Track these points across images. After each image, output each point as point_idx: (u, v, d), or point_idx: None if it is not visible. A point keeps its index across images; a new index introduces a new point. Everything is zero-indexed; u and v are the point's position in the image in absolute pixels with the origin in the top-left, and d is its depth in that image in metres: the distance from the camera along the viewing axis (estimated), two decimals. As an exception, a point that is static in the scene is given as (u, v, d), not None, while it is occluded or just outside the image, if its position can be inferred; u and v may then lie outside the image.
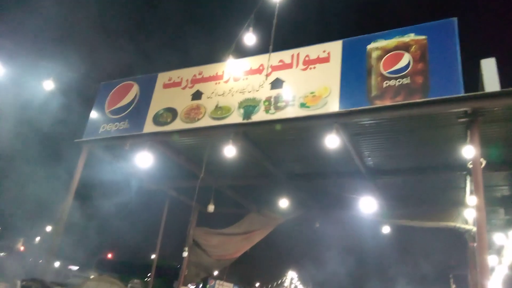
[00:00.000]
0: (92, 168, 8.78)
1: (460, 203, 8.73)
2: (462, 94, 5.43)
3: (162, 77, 8.16)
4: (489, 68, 5.99)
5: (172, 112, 7.60)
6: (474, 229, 8.10)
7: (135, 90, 8.37)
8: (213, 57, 7.78)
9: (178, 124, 7.37)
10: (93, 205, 10.19)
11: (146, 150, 7.37)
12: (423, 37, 6.12)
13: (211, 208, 9.40)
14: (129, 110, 8.17)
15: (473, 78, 6.65)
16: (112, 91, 8.66)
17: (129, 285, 10.23)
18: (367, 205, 7.94)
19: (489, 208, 7.41)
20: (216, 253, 11.31)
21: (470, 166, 5.75)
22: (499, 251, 9.56)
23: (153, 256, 13.46)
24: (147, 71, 8.58)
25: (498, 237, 9.05)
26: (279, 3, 5.40)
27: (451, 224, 8.74)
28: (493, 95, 5.39)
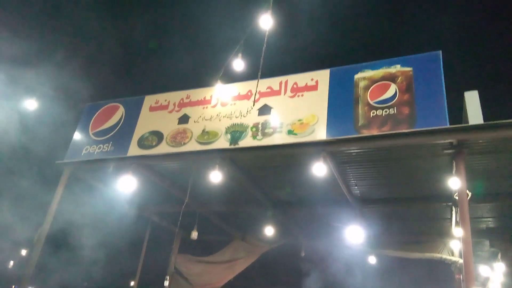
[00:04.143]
0: (72, 191, 8.53)
1: (446, 234, 8.72)
2: (447, 125, 5.49)
3: (149, 100, 8.09)
4: (472, 101, 6.13)
5: (157, 136, 7.49)
6: (460, 261, 8.06)
7: (120, 112, 8.26)
8: (202, 82, 7.78)
9: (163, 148, 7.26)
10: (71, 229, 9.84)
11: (129, 174, 7.20)
12: (409, 68, 6.23)
13: (194, 235, 9.17)
14: (113, 132, 8.03)
15: (457, 110, 6.78)
16: (97, 112, 8.53)
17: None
18: (354, 234, 7.84)
19: (474, 240, 7.39)
20: (199, 281, 10.96)
21: (456, 198, 5.76)
22: (484, 283, 9.50)
23: (132, 284, 12.97)
24: (133, 93, 8.51)
25: (483, 269, 9.01)
26: (268, 31, 5.43)
27: (437, 255, 8.69)
28: (477, 128, 5.46)
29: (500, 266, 8.68)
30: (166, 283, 10.12)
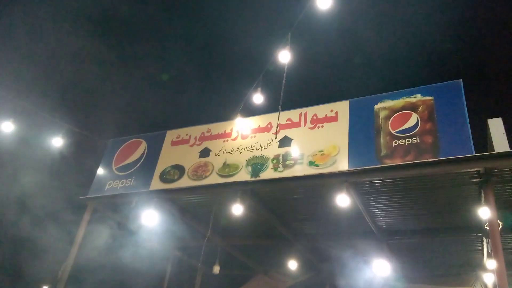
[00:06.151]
0: (95, 226, 8.60)
1: (478, 266, 8.33)
2: (473, 153, 5.38)
3: (171, 135, 8.24)
4: (496, 128, 6.01)
5: (179, 169, 7.56)
6: (495, 295, 7.65)
7: (143, 147, 8.42)
8: (222, 116, 7.91)
9: (185, 182, 7.31)
10: (94, 265, 9.86)
11: (152, 208, 7.24)
12: (429, 97, 6.20)
13: (216, 269, 9.02)
14: (136, 167, 8.15)
15: (481, 137, 6.64)
16: (120, 148, 8.71)
17: None
18: (380, 268, 7.57)
19: (508, 272, 7.03)
20: (221, 318, 10.70)
21: (487, 228, 5.56)
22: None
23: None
24: (155, 129, 8.70)
25: (520, 304, 8.51)
26: (287, 64, 5.54)
27: (470, 289, 8.29)
28: (504, 155, 5.32)
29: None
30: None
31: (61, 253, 8.52)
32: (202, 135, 7.83)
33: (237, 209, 6.64)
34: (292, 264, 8.90)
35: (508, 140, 5.77)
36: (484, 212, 5.47)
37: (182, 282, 11.20)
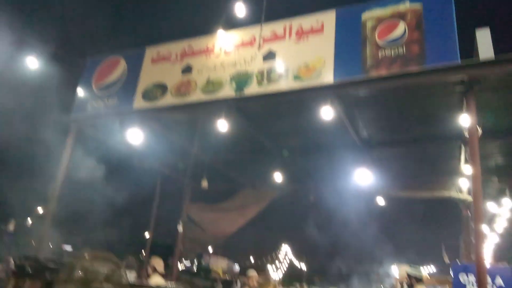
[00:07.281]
0: (81, 147, 8.59)
1: (454, 172, 8.75)
2: (458, 62, 5.33)
3: (150, 52, 7.90)
4: (483, 38, 5.88)
5: (162, 88, 7.40)
6: (469, 198, 8.17)
7: (122, 65, 8.11)
8: (203, 29, 7.54)
9: (168, 100, 7.20)
10: (83, 184, 10.05)
11: (137, 127, 7.20)
12: (418, 5, 5.95)
13: (204, 183, 9.33)
14: (117, 86, 7.93)
15: (468, 48, 6.54)
16: (99, 67, 8.38)
17: (124, 262, 10.22)
18: (363, 177, 7.90)
19: (483, 177, 7.41)
20: (211, 229, 11.32)
21: (466, 135, 5.72)
22: (490, 220, 9.70)
23: (147, 234, 13.44)
24: (133, 44, 8.32)
25: (491, 206, 9.16)
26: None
27: (446, 193, 8.80)
28: (488, 63, 5.30)
29: (507, 202, 8.80)
30: (180, 228, 10.47)
31: (50, 175, 8.60)
32: (183, 52, 7.53)
33: (222, 126, 6.64)
34: (278, 177, 9.22)
35: (494, 50, 5.71)
36: (465, 119, 5.58)
37: (172, 197, 11.62)
